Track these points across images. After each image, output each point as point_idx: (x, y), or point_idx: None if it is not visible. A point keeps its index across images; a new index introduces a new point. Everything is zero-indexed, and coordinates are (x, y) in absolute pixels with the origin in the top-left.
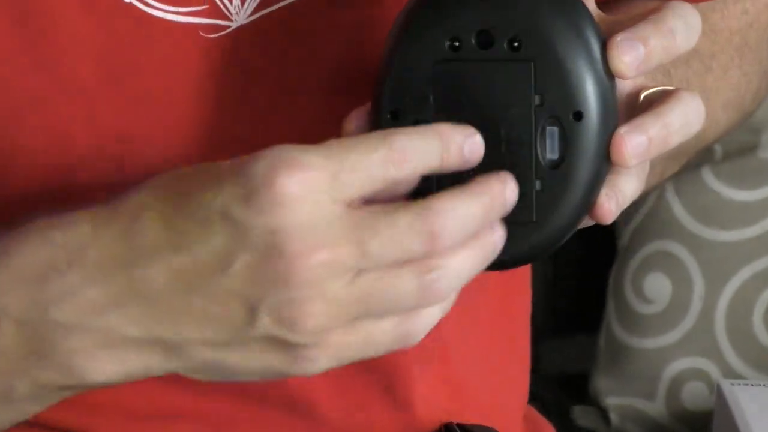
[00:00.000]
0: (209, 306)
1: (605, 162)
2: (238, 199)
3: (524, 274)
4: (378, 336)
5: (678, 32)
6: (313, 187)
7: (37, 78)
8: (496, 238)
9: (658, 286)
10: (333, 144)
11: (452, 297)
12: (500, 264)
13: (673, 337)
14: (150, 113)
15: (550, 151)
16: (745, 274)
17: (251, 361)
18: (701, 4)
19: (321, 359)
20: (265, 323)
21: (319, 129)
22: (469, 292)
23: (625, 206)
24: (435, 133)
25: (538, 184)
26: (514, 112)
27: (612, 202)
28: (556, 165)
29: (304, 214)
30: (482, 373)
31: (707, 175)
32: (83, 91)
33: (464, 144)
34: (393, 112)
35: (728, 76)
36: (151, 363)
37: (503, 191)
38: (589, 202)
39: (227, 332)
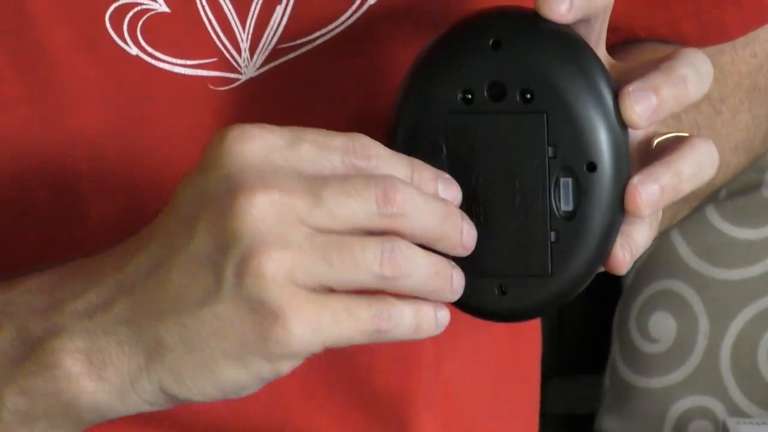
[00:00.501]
0: (181, 279)
1: (619, 212)
2: (198, 170)
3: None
4: (352, 313)
5: (689, 81)
6: (268, 142)
7: (43, 128)
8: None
9: (662, 325)
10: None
11: (415, 277)
12: (515, 315)
13: (679, 376)
14: (158, 166)
15: (564, 202)
16: (749, 312)
17: (226, 339)
18: (710, 48)
19: (295, 327)
20: (230, 279)
21: None
22: (475, 334)
23: (638, 255)
24: (406, 160)
25: (552, 236)
26: (527, 163)
27: (626, 252)
28: (570, 216)
29: (256, 159)
30: (489, 415)
31: (711, 214)
32: (89, 143)
33: (438, 182)
34: None
35: (738, 119)
36: (133, 370)
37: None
38: (603, 253)
39: (199, 303)
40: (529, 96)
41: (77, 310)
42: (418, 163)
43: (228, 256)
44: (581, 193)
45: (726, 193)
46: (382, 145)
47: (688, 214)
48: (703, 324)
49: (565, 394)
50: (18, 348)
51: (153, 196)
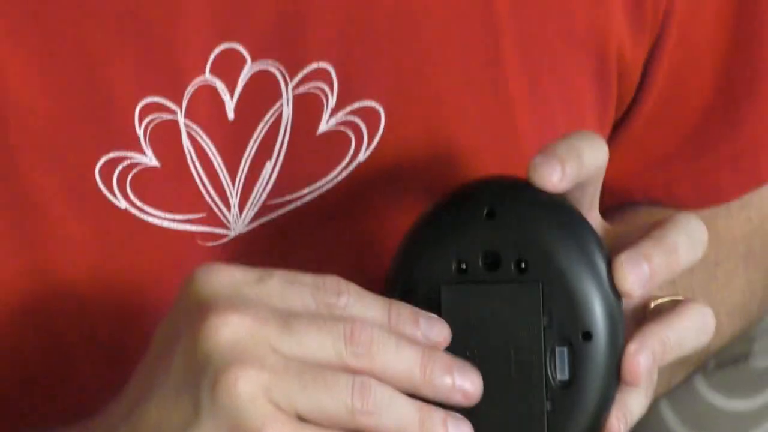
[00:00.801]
0: (161, 412)
1: (615, 381)
2: (172, 309)
3: None
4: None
5: (681, 248)
6: (236, 278)
7: (31, 282)
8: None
9: None
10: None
11: (393, 405)
12: None
13: None
14: (146, 321)
15: (560, 371)
16: None
17: None
18: (705, 211)
19: None
20: (206, 401)
21: None
22: None
23: (633, 424)
24: (385, 301)
25: (548, 405)
26: (523, 333)
27: (622, 422)
28: (566, 385)
29: (225, 289)
30: None
31: (700, 384)
32: (77, 298)
33: (420, 320)
34: None
35: (733, 283)
36: None
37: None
38: (599, 423)
39: (180, 430)
40: (523, 265)
41: None
42: (396, 303)
43: (202, 377)
44: (577, 362)
45: (714, 364)
46: (354, 285)
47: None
48: None
49: None
50: None
51: (141, 350)
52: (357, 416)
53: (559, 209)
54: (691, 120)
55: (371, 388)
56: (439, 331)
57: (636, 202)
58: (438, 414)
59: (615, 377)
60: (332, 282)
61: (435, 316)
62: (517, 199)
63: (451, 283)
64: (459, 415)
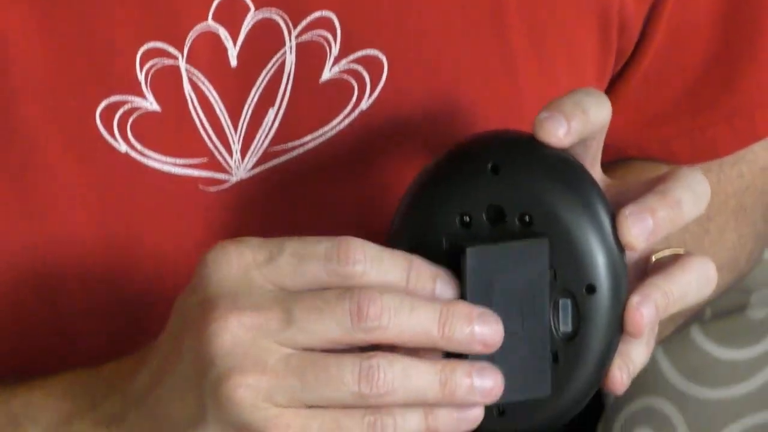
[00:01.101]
0: (173, 400)
1: (617, 333)
2: (186, 290)
3: None
4: (342, 424)
5: (685, 202)
6: (246, 261)
7: (30, 226)
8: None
9: None
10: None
11: (402, 392)
12: None
13: None
14: (145, 266)
15: (563, 324)
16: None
17: None
18: (697, 166)
19: None
20: (210, 405)
21: None
22: None
23: (635, 374)
24: (404, 258)
25: (552, 358)
26: (529, 287)
27: (624, 373)
28: (570, 338)
29: (231, 279)
30: None
31: (696, 334)
32: (76, 243)
33: (436, 280)
34: None
35: (724, 238)
36: None
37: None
38: (602, 374)
39: (188, 426)
40: (527, 219)
41: (96, 419)
42: (417, 262)
43: (205, 381)
44: (580, 314)
45: (711, 314)
46: (373, 245)
47: (674, 332)
48: None
49: None
50: None
51: (141, 296)
52: (368, 400)
53: (564, 164)
54: (689, 77)
55: (380, 369)
56: (452, 292)
57: (630, 158)
58: (461, 368)
59: (618, 329)
60: (346, 248)
61: (449, 274)
62: (522, 154)
63: (454, 236)
64: (484, 362)
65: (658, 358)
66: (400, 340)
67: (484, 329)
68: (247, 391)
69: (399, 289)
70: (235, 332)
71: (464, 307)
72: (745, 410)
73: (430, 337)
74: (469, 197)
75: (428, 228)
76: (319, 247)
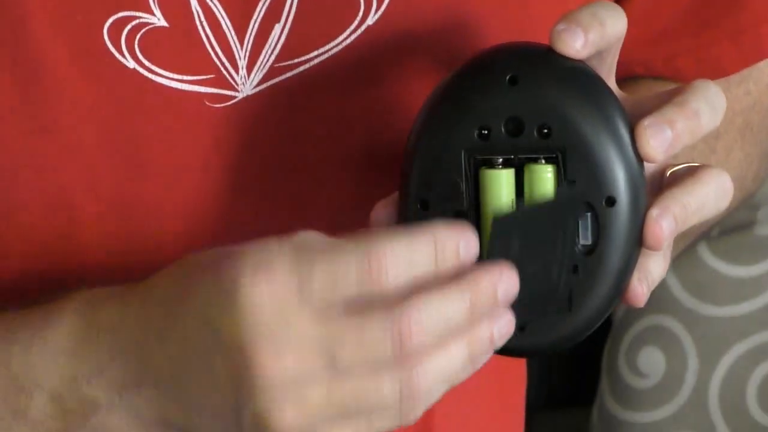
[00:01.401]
0: (205, 395)
1: (637, 245)
2: (211, 303)
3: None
4: (373, 424)
5: (703, 114)
6: (278, 293)
7: (38, 141)
8: (484, 335)
9: (652, 361)
10: (309, 246)
11: (441, 390)
12: (534, 351)
13: (667, 412)
14: (153, 182)
15: (582, 237)
16: (739, 349)
17: None
18: None
19: None
20: (249, 427)
21: (329, 208)
22: None
23: (654, 287)
24: (428, 238)
25: (572, 270)
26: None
27: (644, 285)
28: (590, 251)
29: (269, 320)
30: None
31: (703, 251)
32: (85, 156)
33: (459, 246)
34: (423, 202)
35: (731, 157)
36: None
37: (492, 286)
38: (622, 287)
39: (224, 424)
40: (546, 131)
41: (106, 385)
42: (440, 236)
43: (245, 414)
44: (600, 227)
45: (718, 231)
46: (399, 241)
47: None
48: (693, 360)
49: (553, 426)
50: (56, 419)
51: (146, 211)
52: (405, 406)
53: (582, 76)
54: None
55: (418, 377)
56: (473, 251)
57: (636, 76)
58: (481, 338)
59: (637, 242)
60: (377, 260)
61: (469, 234)
62: (539, 65)
63: (473, 149)
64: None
65: (665, 276)
66: (435, 340)
67: (508, 289)
68: (291, 425)
69: (429, 276)
70: (277, 372)
71: (488, 285)
72: (752, 328)
73: (462, 328)
74: (487, 109)
75: (446, 141)
76: (350, 266)
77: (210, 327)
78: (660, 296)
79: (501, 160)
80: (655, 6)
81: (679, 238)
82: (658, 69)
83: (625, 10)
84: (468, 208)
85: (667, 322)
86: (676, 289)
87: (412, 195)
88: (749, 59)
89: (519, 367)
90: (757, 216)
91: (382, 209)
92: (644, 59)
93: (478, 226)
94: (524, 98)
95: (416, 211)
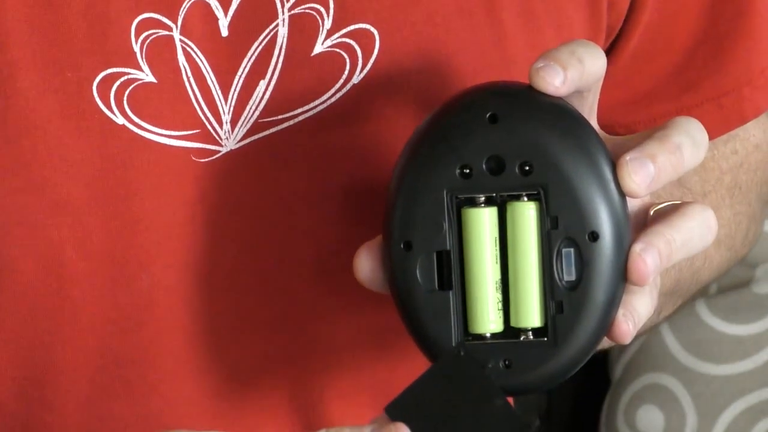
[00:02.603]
0: None
1: (621, 281)
2: None
3: None
4: None
5: (685, 148)
6: None
7: (27, 197)
8: None
9: (650, 419)
10: None
11: None
12: (521, 389)
13: None
14: (142, 236)
15: (566, 272)
16: (737, 407)
17: None
18: None
19: None
20: None
21: (314, 257)
22: None
23: (640, 326)
24: None
25: (556, 307)
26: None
27: (629, 322)
28: (573, 286)
29: None
30: None
31: (701, 309)
32: (74, 212)
33: None
34: (406, 243)
35: (719, 215)
36: None
37: None
38: (607, 323)
39: None
40: (528, 168)
41: None
42: None
43: None
44: (584, 262)
45: (716, 289)
46: None
47: (678, 308)
48: (691, 418)
49: None
50: None
51: (137, 266)
52: None
53: (562, 112)
54: (676, 57)
55: None
56: None
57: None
58: None
59: (621, 277)
60: None
61: None
62: (519, 103)
63: (455, 189)
64: None
65: (663, 334)
66: None
67: None
68: None
69: None
70: None
71: None
72: (751, 386)
73: None
74: (468, 148)
75: (428, 181)
76: None
77: None
78: (658, 354)
79: (483, 198)
80: (638, 68)
81: (676, 296)
82: (640, 131)
83: (608, 71)
84: (451, 247)
85: (665, 380)
86: (674, 347)
87: (395, 236)
88: (732, 123)
89: None
90: (755, 274)
91: (366, 253)
92: (626, 121)
93: (461, 265)
94: (505, 136)
95: (400, 251)
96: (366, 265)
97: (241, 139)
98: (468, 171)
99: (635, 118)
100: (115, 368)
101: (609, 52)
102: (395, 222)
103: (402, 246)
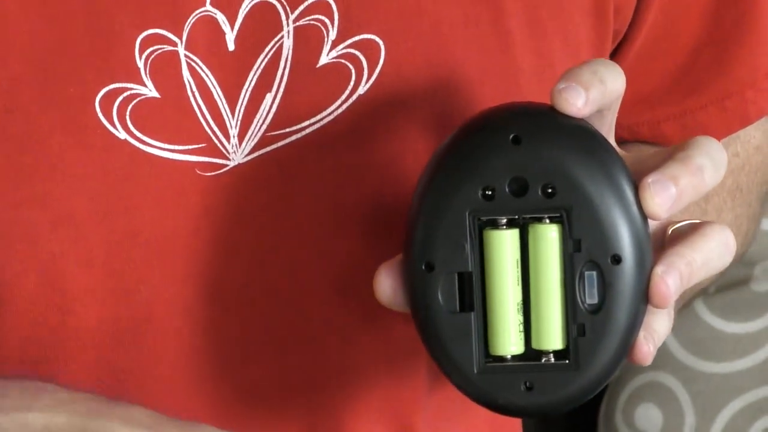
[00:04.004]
0: None
1: (643, 303)
2: None
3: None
4: None
5: (706, 169)
6: None
7: (29, 212)
8: None
9: (649, 417)
10: None
11: None
12: (542, 410)
13: None
14: (144, 250)
15: (589, 296)
16: (736, 406)
17: None
18: None
19: None
20: None
21: (328, 273)
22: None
23: (659, 345)
24: None
25: (578, 330)
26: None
27: (650, 344)
28: (596, 310)
29: None
30: None
31: (700, 308)
32: (76, 227)
33: None
34: (428, 264)
35: (722, 218)
36: None
37: None
38: (628, 345)
39: None
40: (550, 190)
41: None
42: None
43: None
44: (606, 285)
45: (715, 288)
46: None
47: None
48: (689, 417)
49: None
50: None
51: (138, 279)
52: None
53: (584, 134)
54: (680, 59)
55: None
56: None
57: (621, 140)
58: None
59: (643, 300)
60: None
61: None
62: (542, 124)
63: (477, 210)
64: None
65: None
66: None
67: None
68: None
69: None
70: None
71: None
72: (749, 384)
73: None
74: (490, 170)
75: (450, 202)
76: None
77: None
78: (657, 353)
79: (505, 220)
80: (642, 70)
81: (679, 300)
82: (643, 134)
83: None
84: (473, 268)
85: (664, 378)
86: (673, 345)
87: (416, 257)
88: (735, 125)
89: (516, 428)
90: (754, 272)
91: (386, 272)
92: (629, 123)
93: (483, 286)
94: (528, 158)
95: (421, 272)
96: (386, 284)
97: (249, 153)
98: (490, 193)
99: (638, 119)
100: (114, 381)
101: (612, 54)
102: (416, 242)
103: (423, 267)
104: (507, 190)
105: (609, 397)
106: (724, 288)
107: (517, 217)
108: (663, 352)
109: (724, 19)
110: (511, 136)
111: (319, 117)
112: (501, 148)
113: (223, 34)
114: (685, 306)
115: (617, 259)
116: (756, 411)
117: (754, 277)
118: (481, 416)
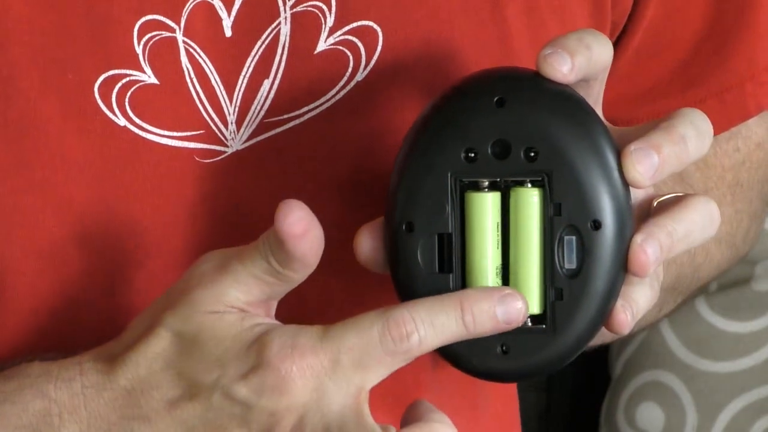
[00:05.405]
0: None
1: (622, 271)
2: (238, 379)
3: (513, 400)
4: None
5: (690, 139)
6: (314, 372)
7: (30, 198)
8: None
9: (650, 417)
10: (332, 327)
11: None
12: (517, 374)
13: None
14: (142, 237)
15: (567, 260)
16: (737, 405)
17: None
18: None
19: None
20: None
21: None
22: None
23: (639, 317)
24: (452, 302)
25: (556, 294)
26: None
27: (628, 312)
28: (574, 274)
29: (304, 397)
30: None
31: (701, 307)
32: (76, 212)
33: (496, 309)
34: (408, 224)
35: (721, 212)
36: None
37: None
38: (605, 312)
39: None
40: (533, 154)
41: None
42: (469, 300)
43: None
44: (585, 251)
45: (716, 286)
46: (422, 305)
47: (679, 306)
48: (691, 416)
49: None
50: None
51: (137, 265)
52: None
53: (569, 100)
54: (680, 53)
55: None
56: (518, 312)
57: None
58: (483, 300)
59: (622, 267)
60: (396, 323)
61: (512, 292)
62: (527, 88)
63: (459, 172)
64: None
65: (663, 331)
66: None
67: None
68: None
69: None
70: None
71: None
72: (751, 383)
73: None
74: (474, 132)
75: (433, 164)
76: (372, 332)
77: (231, 402)
78: (658, 352)
79: (487, 183)
80: (642, 64)
81: (677, 293)
82: None
83: (612, 68)
84: (453, 230)
85: (665, 377)
86: (675, 344)
87: (397, 217)
88: (735, 118)
89: (515, 424)
90: (755, 271)
91: (367, 233)
92: (629, 117)
93: (462, 248)
94: (511, 121)
95: (401, 232)
96: (366, 244)
97: (247, 140)
98: (473, 155)
99: (638, 113)
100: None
101: (613, 47)
102: (398, 203)
103: (404, 227)
104: (489, 152)
105: (610, 396)
106: (726, 287)
107: (498, 180)
108: (664, 351)
109: (724, 13)
110: (495, 99)
111: (317, 103)
112: (485, 111)
113: (220, 20)
114: (686, 304)
115: (597, 225)
116: (758, 410)
117: (756, 276)
118: (489, 410)
